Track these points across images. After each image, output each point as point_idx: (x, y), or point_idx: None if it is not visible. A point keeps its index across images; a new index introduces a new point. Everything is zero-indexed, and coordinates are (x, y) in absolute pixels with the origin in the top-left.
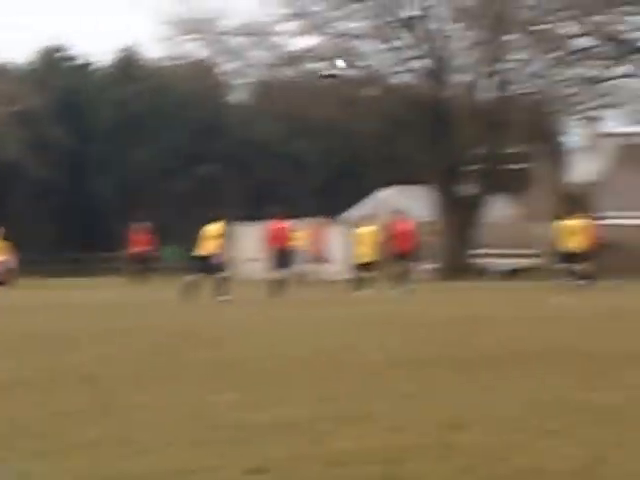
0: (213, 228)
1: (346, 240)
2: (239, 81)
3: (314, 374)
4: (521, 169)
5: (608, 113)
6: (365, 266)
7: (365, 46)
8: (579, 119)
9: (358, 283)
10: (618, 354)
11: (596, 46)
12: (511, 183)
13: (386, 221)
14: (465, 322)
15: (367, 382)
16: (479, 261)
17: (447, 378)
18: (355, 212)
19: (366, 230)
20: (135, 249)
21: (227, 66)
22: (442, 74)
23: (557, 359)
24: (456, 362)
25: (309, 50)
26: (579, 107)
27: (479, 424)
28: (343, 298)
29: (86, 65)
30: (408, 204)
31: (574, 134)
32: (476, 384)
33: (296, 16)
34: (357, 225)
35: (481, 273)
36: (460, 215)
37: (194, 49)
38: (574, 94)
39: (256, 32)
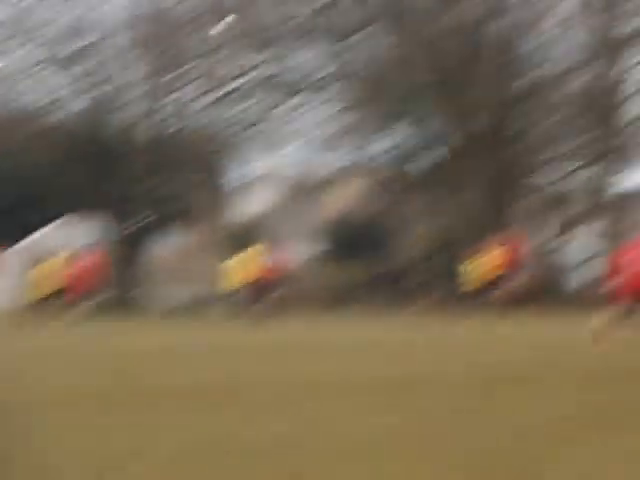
0: None
1: (19, 271)
2: None
3: None
4: (188, 204)
5: (277, 149)
6: (46, 298)
7: (27, 82)
8: (246, 155)
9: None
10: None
11: (261, 84)
12: (178, 218)
13: (68, 255)
14: (132, 357)
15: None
16: (147, 295)
17: (100, 417)
18: (27, 243)
19: (46, 262)
20: None
21: None
22: (108, 110)
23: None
24: (111, 398)
25: None
26: (244, 144)
27: (131, 464)
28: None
29: None
30: (77, 237)
31: (242, 170)
32: (126, 423)
33: None
34: (33, 256)
35: (147, 308)
36: (128, 250)
37: None
38: (239, 131)
39: None
